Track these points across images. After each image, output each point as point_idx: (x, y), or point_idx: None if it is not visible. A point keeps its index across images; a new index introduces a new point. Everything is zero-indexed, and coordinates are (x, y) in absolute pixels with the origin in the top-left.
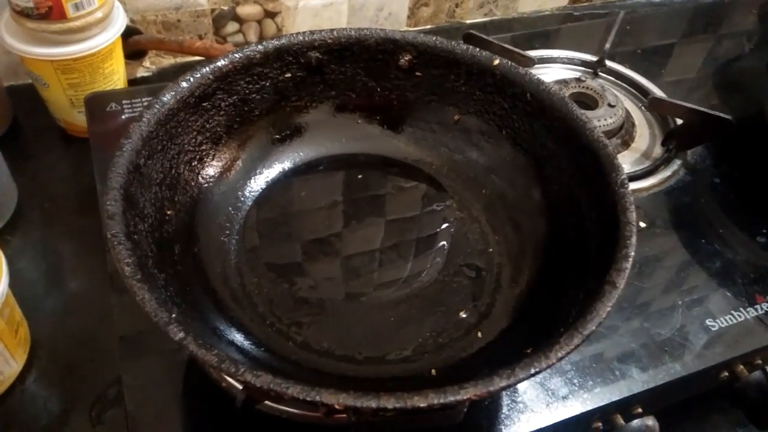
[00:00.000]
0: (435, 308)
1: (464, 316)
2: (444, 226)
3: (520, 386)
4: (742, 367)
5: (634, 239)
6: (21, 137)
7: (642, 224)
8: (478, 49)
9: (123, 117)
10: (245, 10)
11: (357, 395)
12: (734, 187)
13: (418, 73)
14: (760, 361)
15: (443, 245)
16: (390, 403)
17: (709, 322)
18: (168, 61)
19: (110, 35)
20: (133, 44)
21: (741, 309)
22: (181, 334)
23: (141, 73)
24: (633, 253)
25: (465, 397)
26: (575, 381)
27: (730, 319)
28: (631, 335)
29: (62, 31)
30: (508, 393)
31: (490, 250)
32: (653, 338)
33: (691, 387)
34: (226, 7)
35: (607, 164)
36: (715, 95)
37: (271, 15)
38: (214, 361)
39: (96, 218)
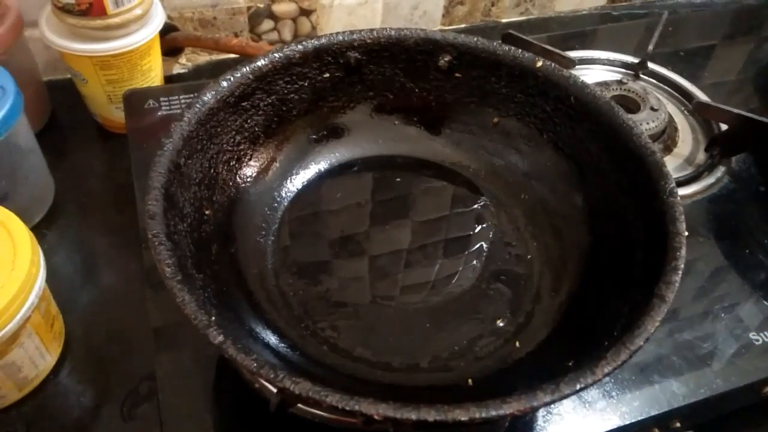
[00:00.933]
0: (471, 315)
1: (501, 324)
2: (481, 230)
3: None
4: None
5: (683, 251)
6: (59, 132)
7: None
8: (520, 50)
9: (160, 114)
10: (281, 8)
11: (396, 406)
12: None
13: (457, 75)
14: None
15: (481, 250)
16: (431, 415)
17: (752, 336)
18: (204, 58)
19: (149, 32)
20: (170, 41)
21: None
22: (221, 338)
23: (177, 69)
24: (683, 266)
25: (508, 412)
26: (613, 393)
27: None
28: (671, 347)
29: (102, 28)
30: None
31: (529, 257)
32: (694, 351)
33: (732, 402)
34: (261, 5)
35: (655, 171)
36: (758, 99)
37: (306, 13)
38: (252, 367)
39: (131, 214)
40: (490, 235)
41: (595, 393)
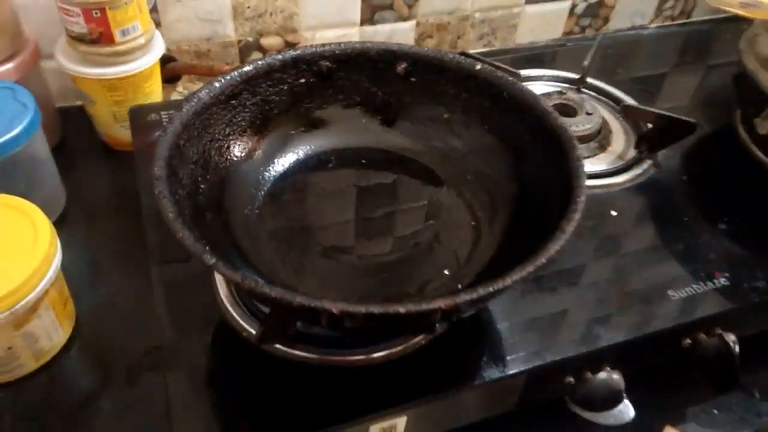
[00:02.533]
0: (423, 267)
1: (447, 273)
2: (431, 199)
3: (501, 338)
4: (703, 335)
5: (583, 198)
6: (68, 151)
7: (613, 213)
8: (463, 57)
9: (161, 124)
10: (268, 41)
11: (351, 304)
12: (699, 183)
13: (413, 79)
14: (719, 331)
15: (431, 214)
16: (376, 309)
17: (670, 292)
18: (198, 86)
19: (151, 58)
20: (169, 70)
21: (701, 282)
22: (213, 260)
23: (175, 96)
24: (581, 208)
25: (435, 306)
26: (547, 335)
27: (690, 290)
28: (600, 302)
29: (110, 54)
30: (490, 342)
31: (470, 215)
32: (620, 305)
33: (653, 348)
34: (251, 39)
35: (567, 144)
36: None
37: (290, 45)
38: (238, 279)
39: (134, 219)
40: (438, 201)
41: (534, 336)
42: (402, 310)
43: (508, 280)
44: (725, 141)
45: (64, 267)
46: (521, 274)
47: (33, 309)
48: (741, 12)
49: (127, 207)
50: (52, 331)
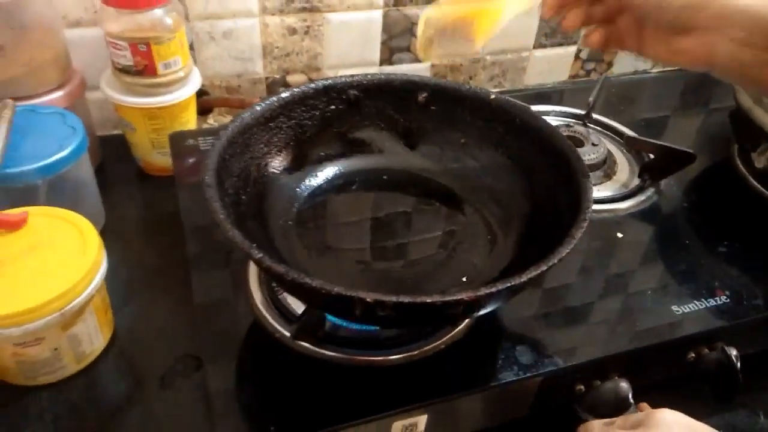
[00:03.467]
0: (443, 274)
1: (464, 279)
2: (450, 216)
3: (514, 346)
4: (706, 349)
5: (590, 209)
6: (107, 175)
7: (619, 234)
8: (479, 88)
9: (198, 149)
10: (293, 78)
11: (382, 294)
12: (700, 210)
13: (432, 107)
14: (722, 345)
15: (451, 228)
16: (406, 299)
17: (674, 308)
18: (228, 119)
19: (189, 90)
20: (203, 102)
21: (702, 299)
22: (260, 255)
23: (206, 127)
24: (589, 217)
25: (459, 298)
26: (557, 344)
27: (692, 306)
28: (607, 316)
29: (152, 85)
30: (505, 350)
31: (486, 229)
32: (626, 318)
33: (660, 359)
34: (278, 76)
35: (575, 163)
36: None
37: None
38: (282, 271)
39: (169, 236)
40: (456, 217)
41: (545, 345)
42: (429, 300)
43: (524, 277)
44: (724, 173)
45: (105, 280)
46: (536, 272)
47: (79, 312)
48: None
49: (162, 227)
50: (94, 336)
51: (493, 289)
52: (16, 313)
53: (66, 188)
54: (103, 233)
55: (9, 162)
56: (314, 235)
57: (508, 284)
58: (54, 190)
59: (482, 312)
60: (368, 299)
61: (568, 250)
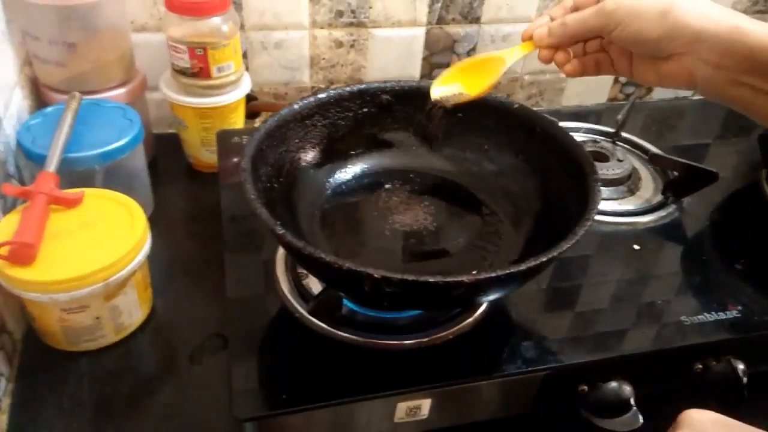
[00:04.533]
0: (456, 267)
1: (474, 273)
2: (467, 214)
3: (521, 342)
4: (713, 361)
5: (595, 210)
6: (158, 169)
7: (636, 246)
8: (503, 97)
9: (242, 147)
10: None
11: (389, 272)
12: (720, 229)
13: (459, 114)
14: (729, 358)
15: (468, 225)
16: (410, 277)
17: (683, 318)
18: None
19: (239, 94)
20: (252, 107)
21: (713, 312)
22: (282, 231)
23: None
24: (593, 217)
25: (459, 279)
26: (563, 343)
27: (702, 317)
28: (617, 320)
29: (206, 87)
30: (510, 344)
31: (499, 226)
32: (634, 323)
33: (666, 367)
34: (323, 86)
35: (588, 169)
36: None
37: None
38: (300, 246)
39: (210, 226)
40: (471, 215)
41: (553, 342)
42: (431, 279)
43: (522, 266)
44: (750, 196)
45: (147, 260)
46: (535, 262)
47: (122, 285)
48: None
49: (205, 218)
50: (133, 309)
51: (492, 275)
52: (64, 279)
53: (120, 175)
54: (151, 220)
55: (71, 147)
56: (336, 225)
57: (507, 271)
58: (110, 175)
59: (486, 297)
60: (376, 275)
61: (569, 245)
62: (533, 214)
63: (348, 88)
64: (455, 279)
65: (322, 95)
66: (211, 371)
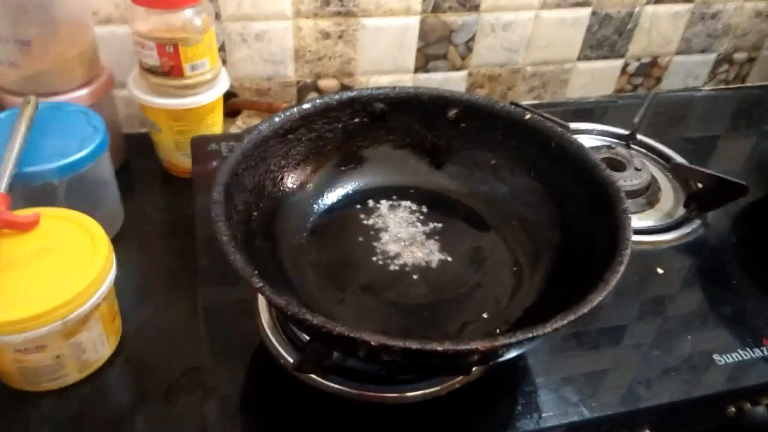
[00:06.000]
0: (463, 309)
1: (485, 316)
2: (475, 243)
3: (537, 389)
4: (748, 404)
5: (628, 251)
6: (130, 174)
7: (660, 270)
8: (513, 106)
9: (220, 154)
10: (325, 83)
11: (389, 337)
12: (749, 247)
13: (462, 124)
14: (766, 401)
15: (475, 258)
16: (414, 344)
17: (716, 357)
18: (256, 121)
19: (215, 93)
20: (231, 105)
21: (747, 349)
22: (261, 284)
23: (234, 129)
24: (626, 260)
25: (473, 347)
26: (585, 391)
27: (736, 356)
28: (642, 361)
29: (178, 87)
30: (525, 393)
31: (511, 260)
32: (662, 365)
33: (695, 413)
34: (309, 80)
35: (614, 196)
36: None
37: (346, 88)
38: (282, 304)
39: (186, 242)
40: (481, 244)
41: (570, 389)
42: (439, 348)
43: (548, 327)
44: None
45: (116, 283)
46: (562, 322)
47: (84, 321)
48: None
49: (180, 231)
50: (99, 345)
51: (513, 339)
52: (17, 320)
53: (85, 188)
54: (121, 233)
55: (27, 160)
56: (326, 256)
57: (529, 334)
58: (73, 189)
59: (501, 360)
60: (373, 342)
61: (600, 298)
62: (551, 248)
63: (336, 96)
64: (468, 347)
65: (306, 105)
66: (187, 411)
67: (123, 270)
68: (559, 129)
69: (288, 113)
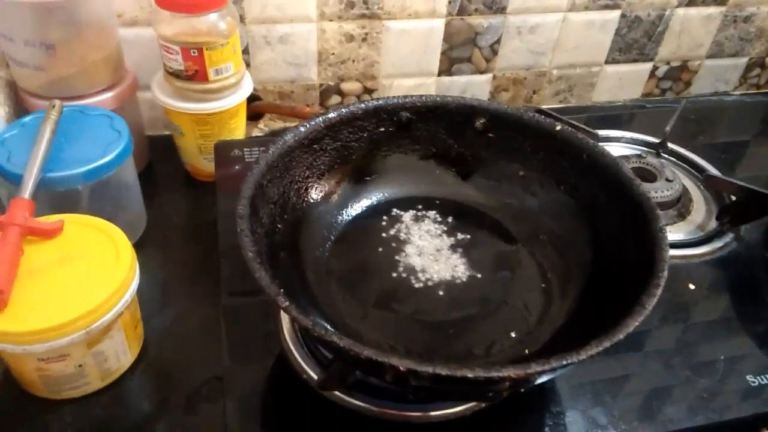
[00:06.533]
0: (490, 327)
1: (514, 335)
2: (503, 260)
3: (565, 410)
4: None
5: (665, 273)
6: (154, 177)
7: (691, 286)
8: (542, 116)
9: (243, 160)
10: (348, 86)
11: (418, 362)
12: None
13: (490, 135)
14: None
15: (502, 275)
16: (443, 371)
17: (749, 377)
18: (278, 124)
19: (239, 98)
20: (254, 108)
21: None
22: (287, 303)
23: (256, 132)
24: (663, 283)
25: (505, 375)
26: (615, 413)
27: None
28: (673, 380)
29: (202, 91)
30: (553, 414)
31: (541, 278)
32: (694, 386)
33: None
34: (332, 83)
35: (650, 213)
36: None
37: (369, 91)
38: (308, 325)
39: (208, 246)
40: (508, 259)
41: (599, 410)
42: (470, 374)
43: (582, 354)
44: None
45: (139, 288)
46: (597, 348)
47: (106, 330)
48: None
49: (203, 235)
50: (121, 353)
51: (546, 367)
52: (40, 330)
53: (109, 193)
54: (144, 237)
55: (52, 166)
56: (349, 269)
57: (563, 362)
58: (96, 195)
59: (531, 386)
60: (401, 367)
61: (637, 323)
62: (582, 266)
63: (362, 105)
64: (500, 374)
65: (332, 114)
66: (208, 421)
67: (145, 275)
68: (591, 141)
69: (314, 123)
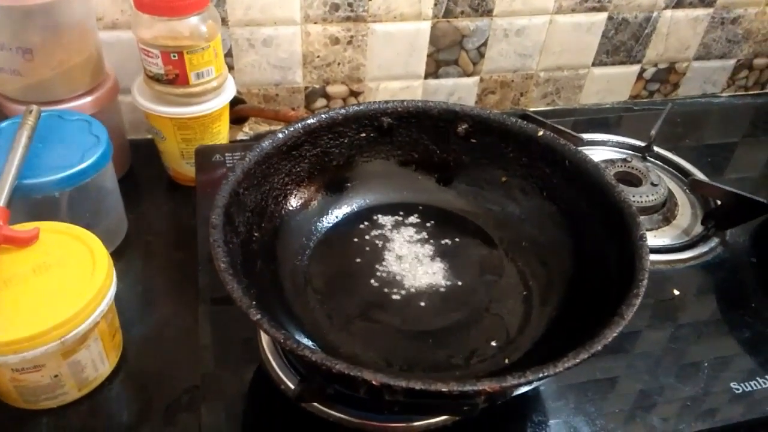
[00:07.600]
0: (470, 336)
1: (494, 344)
2: (485, 267)
3: (548, 419)
4: None
5: (645, 282)
6: (135, 182)
7: (676, 292)
8: (525, 122)
9: (224, 166)
10: (333, 89)
11: (391, 376)
12: None
13: (473, 140)
14: None
15: (483, 282)
16: (417, 385)
17: (733, 384)
18: (264, 128)
19: (221, 101)
20: (238, 111)
21: (767, 377)
22: (258, 316)
23: (240, 136)
24: (642, 293)
25: (480, 388)
26: (598, 422)
27: (755, 384)
28: (656, 389)
29: (183, 95)
30: (535, 423)
31: (522, 286)
32: (677, 393)
33: None
34: (317, 86)
35: (631, 221)
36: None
37: (355, 94)
38: (281, 338)
39: (189, 253)
40: (490, 266)
41: (581, 420)
42: (444, 388)
43: (560, 366)
44: None
45: (118, 295)
46: (574, 360)
47: (82, 340)
48: None
49: (184, 241)
50: (98, 362)
51: (522, 380)
52: (13, 340)
53: (87, 199)
54: (124, 243)
55: (29, 172)
56: (328, 278)
57: (539, 374)
58: (74, 201)
59: (508, 398)
60: (374, 381)
61: (615, 334)
62: (564, 275)
63: (342, 111)
64: (474, 388)
65: (311, 120)
66: (187, 431)
67: (125, 282)
68: (573, 147)
69: (292, 129)
